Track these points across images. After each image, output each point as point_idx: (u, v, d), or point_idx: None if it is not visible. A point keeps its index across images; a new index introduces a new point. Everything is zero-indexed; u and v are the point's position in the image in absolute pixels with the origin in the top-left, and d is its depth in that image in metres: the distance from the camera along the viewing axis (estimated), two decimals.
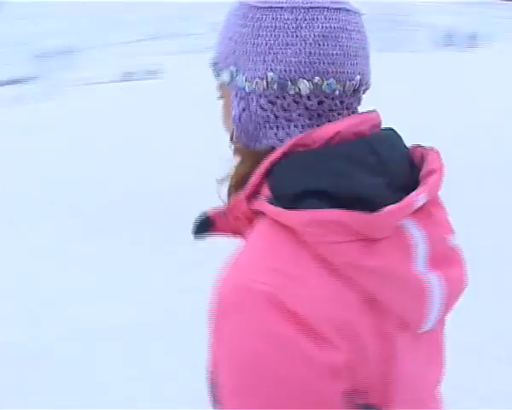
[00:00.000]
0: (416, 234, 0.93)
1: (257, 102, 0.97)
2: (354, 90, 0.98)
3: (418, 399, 1.02)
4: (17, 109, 10.46)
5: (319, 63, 0.93)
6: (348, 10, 0.96)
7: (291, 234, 0.88)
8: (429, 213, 0.97)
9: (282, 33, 0.94)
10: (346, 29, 0.95)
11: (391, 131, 1.02)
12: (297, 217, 0.87)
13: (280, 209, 0.89)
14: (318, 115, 0.97)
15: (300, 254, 0.88)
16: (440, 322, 1.03)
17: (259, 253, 0.91)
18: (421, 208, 0.94)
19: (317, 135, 0.94)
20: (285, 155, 0.94)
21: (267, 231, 0.92)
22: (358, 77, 0.97)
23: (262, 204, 0.93)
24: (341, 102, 0.97)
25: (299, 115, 0.97)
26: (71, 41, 14.92)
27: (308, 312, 0.84)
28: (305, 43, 0.93)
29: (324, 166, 0.91)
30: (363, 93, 1.02)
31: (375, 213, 0.86)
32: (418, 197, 0.91)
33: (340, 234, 0.86)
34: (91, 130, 9.59)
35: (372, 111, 1.02)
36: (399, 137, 1.03)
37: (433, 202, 0.99)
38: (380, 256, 0.88)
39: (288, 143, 0.94)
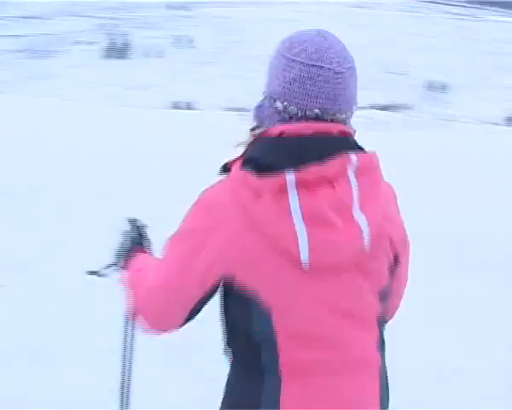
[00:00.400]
0: (294, 199, 1.45)
1: (265, 104, 1.62)
2: (316, 118, 1.52)
3: (307, 317, 1.54)
4: (386, 135, 11.60)
5: (287, 94, 1.53)
6: (321, 67, 1.50)
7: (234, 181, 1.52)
8: (314, 190, 1.46)
9: (277, 70, 1.57)
10: (313, 79, 1.49)
11: (336, 138, 1.53)
12: (236, 173, 1.53)
13: (237, 167, 1.54)
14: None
15: (232, 192, 1.51)
16: (352, 271, 1.55)
17: (219, 183, 1.61)
18: (314, 186, 1.46)
19: (272, 130, 1.55)
20: (258, 137, 1.58)
21: (230, 175, 1.56)
22: (317, 110, 1.52)
23: (239, 163, 1.55)
24: (306, 121, 1.53)
25: (278, 121, 1.58)
26: (448, 77, 15.85)
27: (220, 219, 1.52)
28: (284, 80, 1.53)
29: (263, 146, 1.54)
30: (336, 121, 1.55)
31: (259, 179, 1.46)
32: (282, 177, 1.46)
33: (244, 187, 1.47)
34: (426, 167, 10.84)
35: (332, 124, 1.54)
36: (341, 142, 1.54)
37: (330, 184, 1.47)
38: (262, 205, 1.45)
39: (262, 131, 1.58)
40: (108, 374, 3.21)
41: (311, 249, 1.47)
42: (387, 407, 1.73)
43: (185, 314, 1.64)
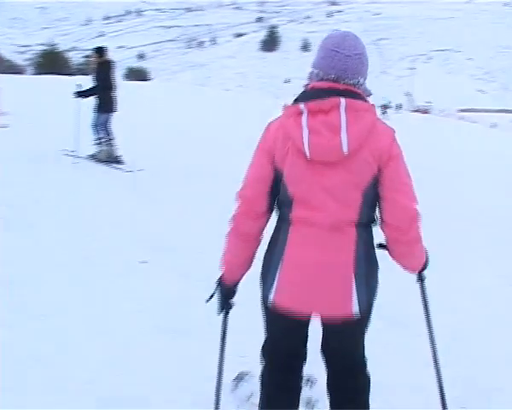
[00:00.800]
0: (304, 119, 2.39)
1: (312, 71, 2.55)
2: (333, 80, 2.44)
3: (310, 191, 2.45)
4: None
5: (319, 65, 2.49)
6: (337, 51, 2.44)
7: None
8: (315, 115, 2.40)
9: (317, 51, 2.55)
10: (332, 57, 2.44)
11: (340, 90, 2.43)
12: (284, 108, 2.53)
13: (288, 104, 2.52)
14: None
15: (280, 118, 2.53)
16: (349, 160, 2.39)
17: (277, 117, 2.57)
18: (316, 113, 2.40)
19: (309, 86, 2.53)
20: (303, 90, 2.54)
21: (285, 109, 2.51)
22: (333, 76, 2.44)
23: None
24: (327, 81, 2.46)
25: (316, 81, 2.51)
26: None
27: (271, 130, 2.55)
28: (318, 57, 2.52)
29: (301, 94, 2.52)
30: (347, 84, 2.45)
31: (290, 108, 2.48)
32: (296, 107, 2.43)
33: (284, 114, 2.50)
34: None
35: (341, 83, 2.45)
36: (342, 93, 2.41)
37: (325, 113, 2.39)
38: (289, 122, 2.44)
39: (305, 87, 2.55)
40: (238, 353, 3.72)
41: (310, 149, 2.39)
42: (365, 285, 2.51)
43: (266, 190, 2.55)
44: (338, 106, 2.38)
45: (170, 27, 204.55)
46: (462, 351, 4.47)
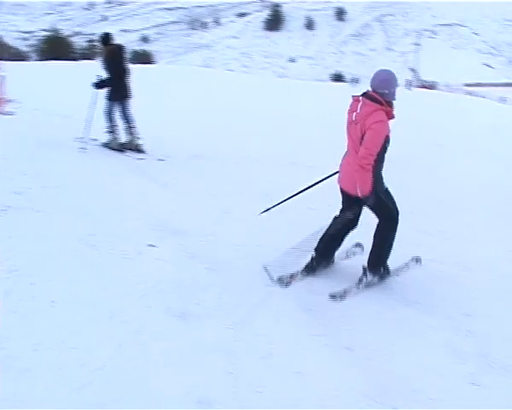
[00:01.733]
0: (351, 102, 5.31)
1: None
2: (372, 89, 5.17)
3: (349, 139, 5.33)
4: None
5: (370, 81, 5.29)
6: (376, 77, 5.13)
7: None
8: (354, 102, 5.18)
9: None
10: (372, 78, 5.14)
11: (367, 94, 5.14)
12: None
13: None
14: None
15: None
16: (357, 124, 5.08)
17: None
18: (354, 101, 5.21)
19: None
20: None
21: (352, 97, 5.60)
22: (373, 87, 5.15)
23: None
24: (369, 89, 5.21)
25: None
26: None
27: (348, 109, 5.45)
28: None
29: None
30: (376, 92, 5.08)
31: (353, 96, 5.36)
32: (352, 97, 5.34)
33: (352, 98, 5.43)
34: None
35: (373, 91, 5.12)
36: (368, 96, 5.10)
37: (356, 101, 5.19)
38: (350, 104, 5.33)
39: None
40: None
41: (348, 116, 5.14)
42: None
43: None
44: (359, 100, 5.01)
45: (172, 9, 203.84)
46: (474, 327, 4.49)
